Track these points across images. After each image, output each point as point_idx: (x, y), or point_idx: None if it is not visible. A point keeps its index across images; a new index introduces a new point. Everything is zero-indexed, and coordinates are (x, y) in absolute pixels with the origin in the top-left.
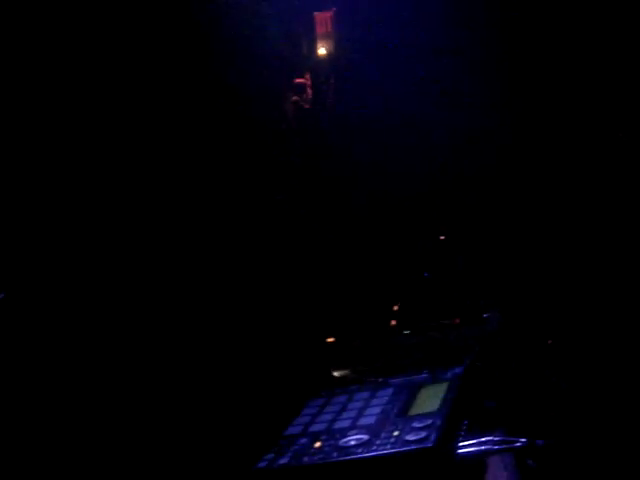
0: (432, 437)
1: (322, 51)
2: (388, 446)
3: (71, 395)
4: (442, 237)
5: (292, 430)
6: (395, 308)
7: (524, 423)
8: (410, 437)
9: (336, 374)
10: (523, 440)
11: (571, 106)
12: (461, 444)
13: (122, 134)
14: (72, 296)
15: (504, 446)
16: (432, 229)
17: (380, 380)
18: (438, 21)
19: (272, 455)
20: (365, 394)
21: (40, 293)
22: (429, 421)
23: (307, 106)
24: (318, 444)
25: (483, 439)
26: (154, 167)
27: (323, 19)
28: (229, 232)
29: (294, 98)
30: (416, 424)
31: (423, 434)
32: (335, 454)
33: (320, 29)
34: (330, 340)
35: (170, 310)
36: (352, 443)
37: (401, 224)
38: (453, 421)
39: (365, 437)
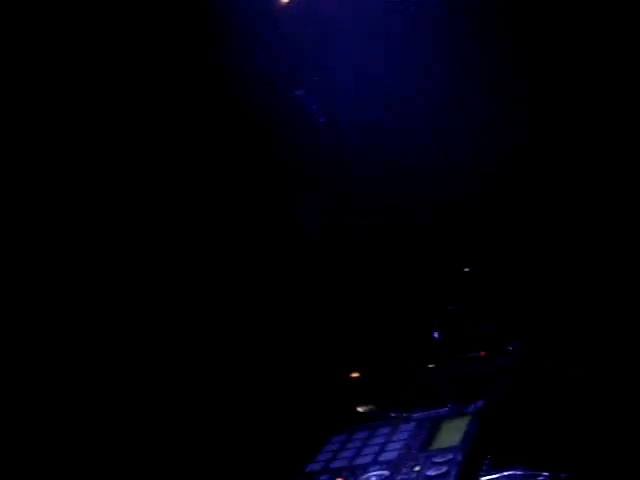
0: (453, 472)
1: None
2: None
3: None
4: (466, 269)
5: (313, 467)
6: (420, 341)
7: (547, 457)
8: (431, 472)
9: (359, 409)
10: (546, 474)
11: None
12: (483, 479)
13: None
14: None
15: None
16: (455, 260)
17: (403, 415)
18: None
19: None
20: (387, 429)
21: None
22: (450, 456)
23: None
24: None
25: (505, 473)
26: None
27: None
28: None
29: None
30: (437, 459)
31: (444, 469)
32: None
33: None
34: (354, 375)
35: (193, 338)
36: (373, 479)
37: (424, 255)
38: (474, 455)
39: (386, 473)
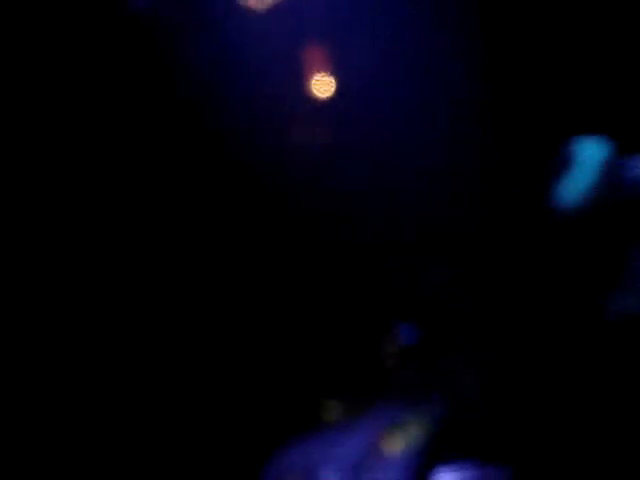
0: (410, 475)
1: (319, 92)
2: None
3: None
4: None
5: (272, 467)
6: (389, 344)
7: (507, 458)
8: (388, 476)
9: (319, 409)
10: (505, 475)
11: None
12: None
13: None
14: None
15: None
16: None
17: (362, 417)
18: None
19: None
20: (345, 430)
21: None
22: (408, 458)
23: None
24: None
25: (463, 475)
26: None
27: (317, 55)
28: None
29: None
30: (394, 461)
31: (401, 472)
32: None
33: (314, 65)
34: (317, 372)
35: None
36: None
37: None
38: (433, 458)
39: (342, 476)
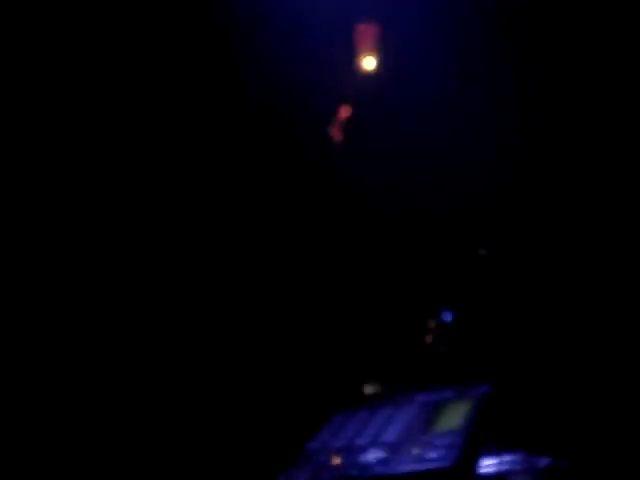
0: (452, 455)
1: (368, 66)
2: (407, 464)
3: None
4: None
5: (313, 445)
6: (429, 323)
7: (548, 442)
8: (430, 455)
9: (363, 389)
10: (546, 460)
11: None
12: (482, 463)
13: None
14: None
15: (526, 466)
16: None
17: (405, 396)
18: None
19: (291, 470)
20: (388, 410)
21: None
22: (450, 439)
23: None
24: (337, 460)
25: (505, 458)
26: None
27: (367, 33)
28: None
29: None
30: (437, 442)
31: (443, 452)
32: (353, 471)
33: (363, 44)
34: (359, 355)
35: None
36: (371, 460)
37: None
38: (475, 439)
39: (385, 454)
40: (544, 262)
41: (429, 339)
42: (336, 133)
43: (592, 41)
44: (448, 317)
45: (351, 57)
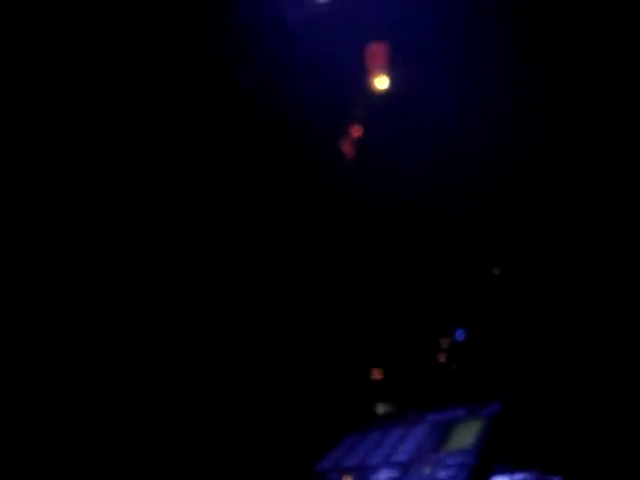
0: (463, 475)
1: (378, 85)
2: None
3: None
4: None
5: (324, 465)
6: (442, 342)
7: (560, 461)
8: (441, 475)
9: (374, 408)
10: (558, 478)
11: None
12: None
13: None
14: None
15: None
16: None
17: (417, 415)
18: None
19: None
20: (400, 430)
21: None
22: (462, 458)
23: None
24: (348, 479)
25: (517, 477)
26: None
27: (377, 52)
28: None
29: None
30: (449, 461)
31: (455, 471)
32: None
33: (374, 62)
34: (371, 374)
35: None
36: (382, 479)
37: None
38: (487, 458)
39: (396, 474)
40: (557, 280)
41: (441, 358)
42: (348, 150)
43: (596, 40)
44: (460, 335)
45: (362, 75)
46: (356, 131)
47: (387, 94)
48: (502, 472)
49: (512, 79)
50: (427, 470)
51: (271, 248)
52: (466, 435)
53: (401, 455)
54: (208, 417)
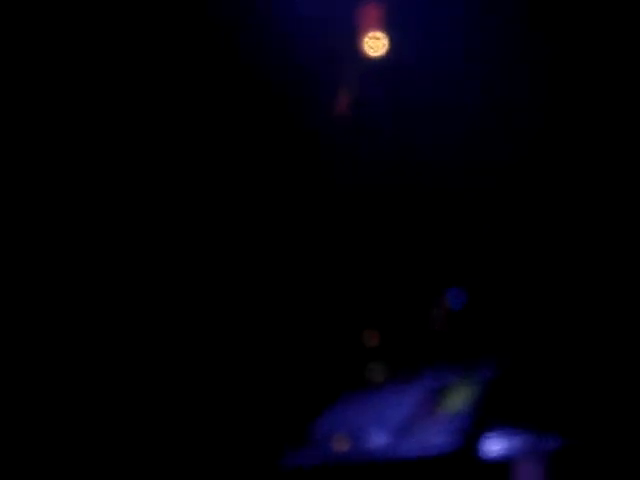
0: (457, 440)
1: (372, 51)
2: (412, 449)
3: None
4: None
5: (315, 430)
6: (438, 307)
7: (557, 424)
8: (435, 440)
9: (368, 370)
10: (555, 441)
11: None
12: (489, 446)
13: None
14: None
15: (534, 448)
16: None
17: (410, 379)
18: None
19: (293, 455)
20: (394, 394)
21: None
22: (457, 422)
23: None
24: (341, 445)
25: (512, 441)
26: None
27: (372, 16)
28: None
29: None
30: (442, 426)
31: (448, 436)
32: (357, 457)
33: (369, 26)
34: (365, 335)
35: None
36: (376, 445)
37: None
38: (482, 422)
39: (390, 439)
40: (550, 243)
41: (434, 319)
42: (342, 108)
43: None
44: (454, 296)
45: (356, 38)
46: (348, 95)
47: (381, 57)
48: (497, 436)
49: (516, 45)
50: (421, 435)
51: (266, 208)
52: (460, 399)
53: (395, 419)
54: (197, 386)
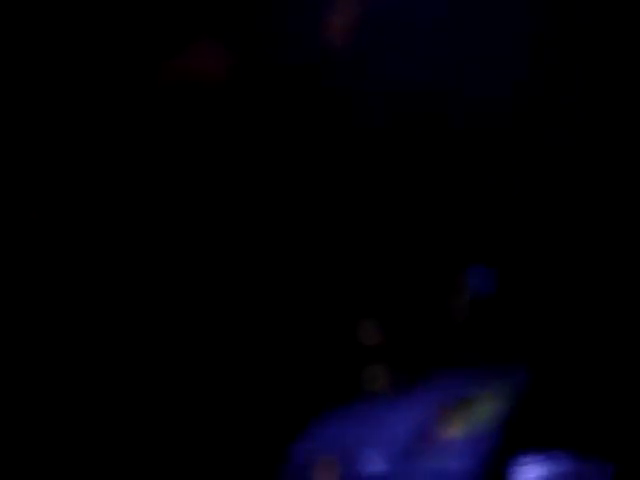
0: (480, 465)
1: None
2: (419, 477)
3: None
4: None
5: (299, 450)
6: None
7: (607, 446)
8: (451, 465)
9: (365, 376)
10: (604, 468)
11: None
12: (521, 474)
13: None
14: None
15: (572, 472)
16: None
17: (418, 386)
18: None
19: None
20: (396, 405)
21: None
22: (478, 443)
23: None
24: (329, 470)
25: (551, 466)
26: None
27: None
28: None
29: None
30: (460, 447)
31: (468, 460)
32: None
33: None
34: (362, 330)
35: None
36: (372, 472)
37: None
38: (511, 444)
39: (390, 465)
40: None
41: (451, 309)
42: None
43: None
44: (479, 277)
45: None
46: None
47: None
48: (532, 461)
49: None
50: (429, 460)
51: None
52: (484, 413)
53: (396, 439)
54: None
